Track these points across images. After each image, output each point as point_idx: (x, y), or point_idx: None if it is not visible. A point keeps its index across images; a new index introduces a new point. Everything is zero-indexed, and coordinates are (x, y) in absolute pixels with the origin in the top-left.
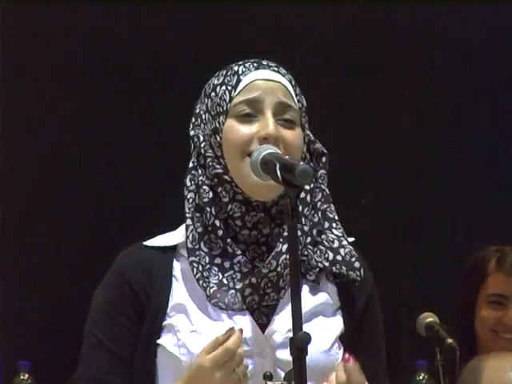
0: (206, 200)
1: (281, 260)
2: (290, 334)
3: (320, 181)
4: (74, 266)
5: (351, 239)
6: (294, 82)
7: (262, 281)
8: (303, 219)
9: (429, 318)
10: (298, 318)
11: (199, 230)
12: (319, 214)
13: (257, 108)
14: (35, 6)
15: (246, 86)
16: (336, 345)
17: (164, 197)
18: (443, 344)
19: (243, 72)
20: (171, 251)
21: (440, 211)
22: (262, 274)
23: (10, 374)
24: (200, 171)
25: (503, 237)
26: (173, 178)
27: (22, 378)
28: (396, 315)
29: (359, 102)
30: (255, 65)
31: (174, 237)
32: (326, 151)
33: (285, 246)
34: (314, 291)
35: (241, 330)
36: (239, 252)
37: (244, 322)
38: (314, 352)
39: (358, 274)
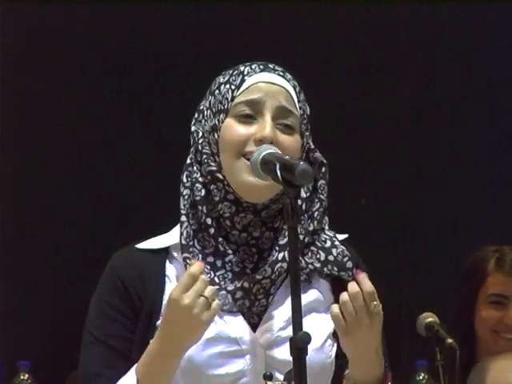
0: (198, 198)
1: (276, 268)
2: (282, 333)
3: (319, 191)
4: (74, 266)
5: (344, 236)
6: (298, 89)
7: (254, 286)
8: (298, 228)
9: (429, 317)
10: (297, 318)
11: (194, 227)
12: (315, 223)
13: (257, 110)
14: (35, 5)
15: (248, 87)
16: (329, 341)
17: (164, 197)
18: (443, 344)
19: (248, 73)
20: (163, 253)
21: (440, 211)
22: (256, 279)
23: (10, 374)
24: (195, 167)
25: (503, 237)
26: (173, 178)
27: (21, 378)
28: (396, 315)
29: (359, 101)
30: (261, 67)
31: (167, 239)
32: (325, 161)
33: (281, 255)
34: (305, 289)
35: (202, 261)
36: (230, 251)
37: (235, 322)
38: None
39: (350, 274)
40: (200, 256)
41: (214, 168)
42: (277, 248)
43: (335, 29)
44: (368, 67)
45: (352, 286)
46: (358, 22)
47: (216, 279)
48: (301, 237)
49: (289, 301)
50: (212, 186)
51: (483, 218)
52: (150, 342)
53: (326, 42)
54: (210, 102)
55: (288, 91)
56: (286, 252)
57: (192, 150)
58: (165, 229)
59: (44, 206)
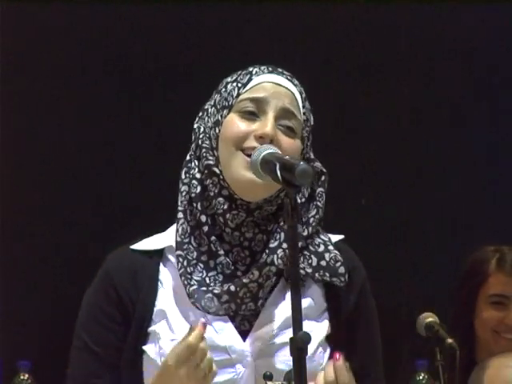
0: (193, 195)
1: (264, 271)
2: (273, 341)
3: (317, 198)
4: (74, 266)
5: (340, 237)
6: (304, 95)
7: (240, 290)
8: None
9: (429, 317)
10: (297, 318)
11: (192, 223)
12: (310, 229)
13: (260, 108)
14: (35, 5)
15: (255, 86)
16: (320, 349)
17: (164, 197)
18: (443, 344)
19: (256, 73)
20: (158, 256)
21: (440, 211)
22: (242, 283)
23: (10, 374)
24: (194, 163)
25: (503, 237)
26: (173, 178)
27: (21, 378)
28: (396, 315)
29: (359, 101)
30: (269, 69)
31: (162, 239)
32: (325, 170)
33: (270, 258)
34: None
35: (204, 324)
36: (222, 252)
37: (225, 330)
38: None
39: (343, 279)
40: (195, 254)
41: (212, 162)
42: (267, 251)
43: (335, 29)
44: (368, 67)
45: (328, 373)
46: (358, 22)
47: (207, 280)
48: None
49: (282, 306)
50: (208, 181)
51: (483, 218)
52: None
53: (326, 41)
54: (215, 100)
55: (294, 94)
56: (275, 255)
57: (192, 146)
58: (164, 229)
59: (44, 205)
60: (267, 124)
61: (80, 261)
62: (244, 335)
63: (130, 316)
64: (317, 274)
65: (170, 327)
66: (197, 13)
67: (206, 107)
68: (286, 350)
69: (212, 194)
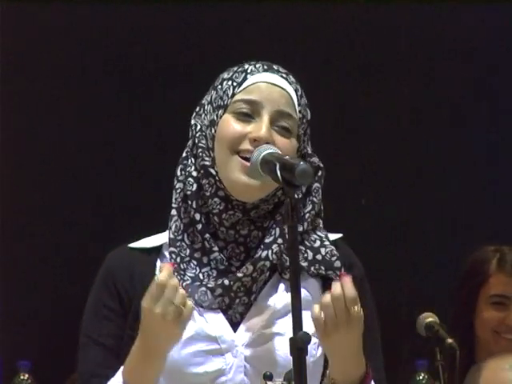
0: (189, 193)
1: (258, 266)
2: (262, 332)
3: (313, 193)
4: (74, 266)
5: (338, 235)
6: (300, 93)
7: (234, 284)
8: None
9: (429, 317)
10: (297, 318)
11: (185, 220)
12: (305, 224)
13: (255, 110)
14: (35, 5)
15: (249, 86)
16: (314, 340)
17: (164, 197)
18: (443, 344)
19: (251, 71)
20: (155, 252)
21: (440, 211)
22: (236, 277)
23: (10, 374)
24: (190, 161)
25: (503, 237)
26: (173, 178)
27: (21, 377)
28: (396, 315)
29: (359, 101)
30: (265, 67)
31: (160, 237)
32: (322, 165)
33: (264, 253)
34: (290, 289)
35: (173, 264)
36: (216, 249)
37: (216, 320)
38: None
39: (338, 273)
40: (188, 251)
41: (208, 163)
42: (262, 246)
43: (335, 29)
44: (368, 67)
45: (335, 289)
46: (358, 22)
47: (200, 276)
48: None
49: (273, 298)
50: (204, 181)
51: (483, 218)
52: (133, 347)
53: (326, 42)
54: (211, 96)
55: (289, 94)
56: (270, 251)
57: (189, 143)
58: (164, 229)
59: (44, 206)
60: (262, 127)
61: (80, 261)
62: (235, 327)
63: (127, 312)
64: (312, 268)
65: None
66: (197, 13)
67: (203, 102)
68: (276, 341)
69: (208, 193)
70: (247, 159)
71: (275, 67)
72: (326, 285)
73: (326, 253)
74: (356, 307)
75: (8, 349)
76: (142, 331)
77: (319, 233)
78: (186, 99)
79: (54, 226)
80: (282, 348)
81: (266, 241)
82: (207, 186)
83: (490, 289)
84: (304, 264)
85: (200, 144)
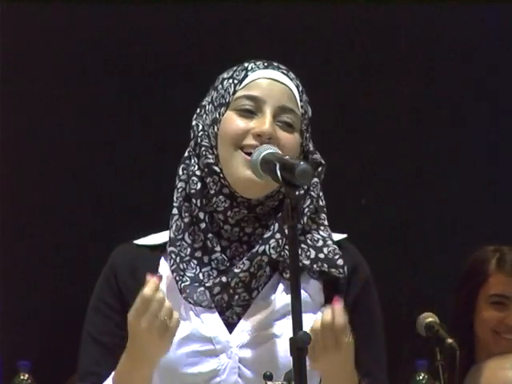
0: (193, 191)
1: (255, 261)
2: (257, 333)
3: (311, 188)
4: (74, 266)
5: (343, 236)
6: (301, 89)
7: (232, 280)
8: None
9: (429, 317)
10: (297, 318)
11: (186, 220)
12: (305, 219)
13: (258, 106)
14: (35, 5)
15: (251, 82)
16: None
17: (164, 197)
18: (443, 344)
19: (252, 68)
20: (160, 250)
21: (440, 211)
22: (234, 273)
23: (10, 374)
24: (193, 161)
25: (503, 237)
26: (173, 178)
27: (21, 378)
28: (396, 315)
29: (359, 101)
30: (265, 64)
31: (165, 235)
32: (323, 162)
33: (262, 248)
34: (289, 289)
35: (159, 277)
36: (218, 248)
37: (211, 321)
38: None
39: (342, 271)
40: (188, 250)
41: (212, 160)
42: (260, 241)
43: (335, 29)
44: (368, 67)
45: (325, 316)
46: (358, 22)
47: (200, 275)
48: (287, 231)
49: (271, 299)
50: (208, 179)
51: (483, 218)
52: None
53: (326, 41)
54: (212, 96)
55: (291, 89)
56: (268, 245)
57: (191, 143)
58: (165, 229)
59: (44, 205)
60: (265, 122)
61: (80, 261)
62: (231, 328)
63: (128, 308)
64: (315, 266)
65: None
66: (197, 13)
67: (203, 103)
68: (271, 342)
69: (213, 191)
70: (251, 155)
71: (275, 64)
72: (327, 287)
73: (329, 251)
74: (344, 336)
75: (8, 349)
76: (131, 341)
77: (322, 233)
78: (186, 99)
79: (53, 226)
80: (277, 350)
81: (265, 236)
82: (212, 183)
83: (490, 288)
84: (306, 262)
85: (203, 143)
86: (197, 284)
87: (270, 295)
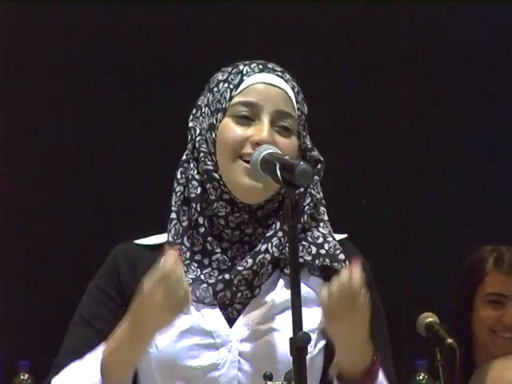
0: (193, 196)
1: (258, 259)
2: (257, 328)
3: (311, 185)
4: (74, 266)
5: (344, 236)
6: (297, 89)
7: (235, 278)
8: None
9: (429, 317)
10: (297, 318)
11: (184, 223)
12: (305, 217)
13: (255, 112)
14: (35, 5)
15: (247, 88)
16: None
17: (164, 197)
18: (443, 344)
19: (247, 73)
20: (159, 249)
21: (440, 211)
22: (237, 270)
23: (10, 374)
24: (192, 165)
25: (503, 237)
26: (173, 178)
27: (21, 378)
28: (396, 315)
29: (359, 102)
30: (260, 67)
31: (165, 236)
32: (322, 159)
33: (264, 246)
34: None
35: (176, 248)
36: (218, 250)
37: (212, 315)
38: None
39: (344, 265)
40: (188, 254)
41: (211, 167)
42: (262, 240)
43: (335, 29)
44: (368, 67)
45: (343, 275)
46: (358, 22)
47: (202, 277)
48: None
49: (271, 295)
50: (208, 185)
51: (483, 218)
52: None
53: (326, 42)
54: (208, 99)
55: (287, 93)
56: (270, 244)
57: (189, 146)
58: (165, 229)
59: (44, 205)
60: (263, 129)
61: (80, 261)
62: (232, 323)
63: (126, 304)
64: (317, 261)
65: None
66: (197, 13)
67: (199, 103)
68: (271, 336)
69: (213, 197)
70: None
71: (270, 66)
72: (327, 283)
73: (330, 247)
74: (361, 297)
75: (8, 349)
76: (132, 312)
77: (322, 230)
78: (186, 99)
79: (53, 226)
80: (276, 344)
81: (267, 235)
82: (212, 189)
83: (487, 287)
84: (308, 258)
85: (201, 148)
86: (199, 282)
87: (270, 290)
